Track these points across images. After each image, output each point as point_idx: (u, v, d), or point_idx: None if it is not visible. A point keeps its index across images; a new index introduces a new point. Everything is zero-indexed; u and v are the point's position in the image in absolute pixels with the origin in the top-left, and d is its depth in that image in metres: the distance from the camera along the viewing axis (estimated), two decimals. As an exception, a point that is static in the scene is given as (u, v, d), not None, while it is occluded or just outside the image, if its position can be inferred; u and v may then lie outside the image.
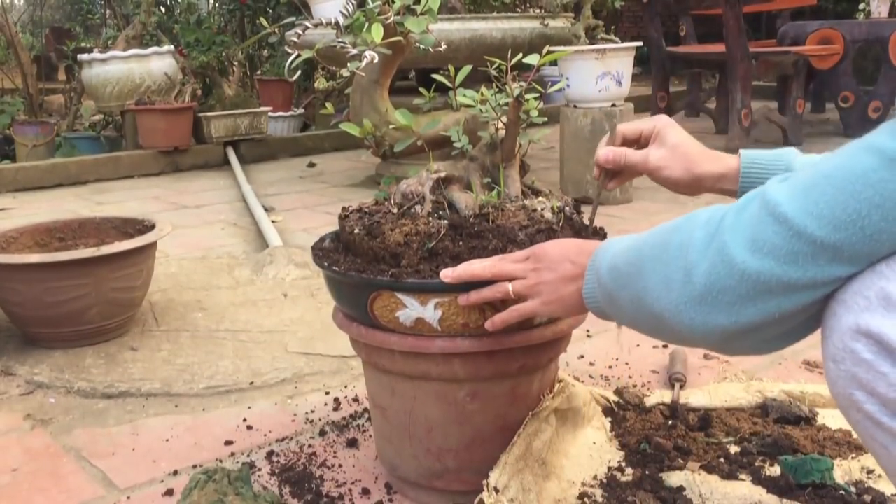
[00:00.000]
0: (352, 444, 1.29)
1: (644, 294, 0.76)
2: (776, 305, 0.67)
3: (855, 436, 1.21)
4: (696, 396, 1.35)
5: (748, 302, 0.67)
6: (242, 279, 2.25)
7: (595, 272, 0.86)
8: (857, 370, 0.62)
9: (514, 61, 1.04)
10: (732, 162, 0.99)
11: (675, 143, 1.01)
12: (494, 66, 1.06)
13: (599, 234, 1.11)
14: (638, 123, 1.07)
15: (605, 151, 1.06)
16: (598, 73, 2.95)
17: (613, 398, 1.34)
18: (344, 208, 1.14)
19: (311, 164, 4.30)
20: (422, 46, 1.12)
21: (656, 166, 1.02)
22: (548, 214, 1.06)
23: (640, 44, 3.08)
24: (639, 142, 1.06)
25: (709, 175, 1.00)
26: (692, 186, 1.01)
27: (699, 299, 0.70)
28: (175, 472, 1.24)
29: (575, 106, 3.07)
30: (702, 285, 0.69)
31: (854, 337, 0.62)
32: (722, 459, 1.16)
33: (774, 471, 1.12)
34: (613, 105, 3.03)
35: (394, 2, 1.07)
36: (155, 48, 4.47)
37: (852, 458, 1.15)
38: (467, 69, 1.14)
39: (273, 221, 2.88)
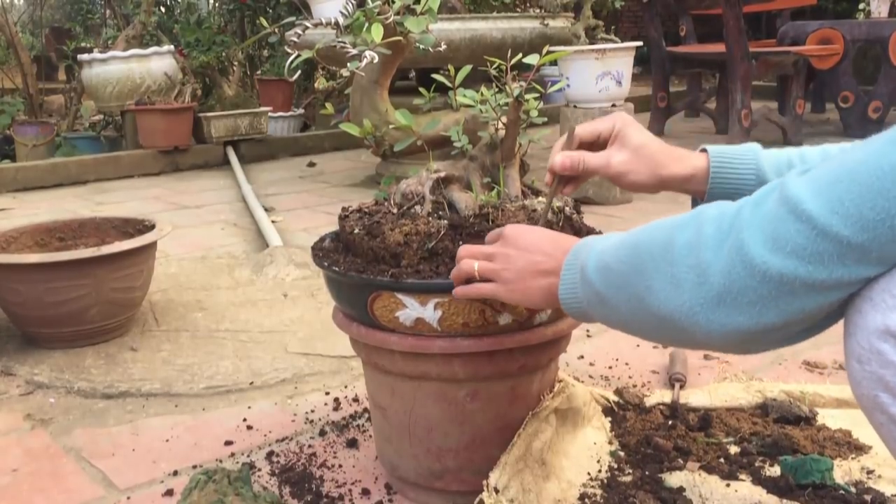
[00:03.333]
0: (352, 444, 1.29)
1: (647, 295, 0.72)
2: (800, 306, 0.64)
3: (855, 436, 1.21)
4: (696, 396, 1.35)
5: (770, 302, 0.64)
6: (242, 279, 2.25)
7: (577, 271, 0.81)
8: (884, 372, 0.60)
9: (513, 61, 1.04)
10: (699, 162, 0.95)
11: (637, 144, 0.95)
12: (494, 66, 1.05)
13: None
14: (595, 124, 0.99)
15: (562, 158, 0.97)
16: (598, 73, 2.95)
17: (613, 398, 1.34)
18: (344, 208, 1.14)
19: (311, 164, 4.30)
20: (422, 46, 1.12)
21: (619, 171, 0.96)
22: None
23: (640, 44, 3.08)
24: (596, 143, 1.00)
25: (676, 177, 0.95)
26: (656, 188, 0.97)
27: (717, 301, 0.66)
28: (175, 473, 1.24)
29: (575, 106, 3.07)
30: (719, 286, 0.66)
31: (882, 337, 0.60)
32: (722, 459, 1.16)
33: (774, 471, 1.12)
34: (613, 105, 3.03)
35: (394, 2, 1.07)
36: (155, 48, 4.47)
37: (852, 458, 1.15)
38: (467, 69, 1.14)
39: (273, 221, 2.88)
